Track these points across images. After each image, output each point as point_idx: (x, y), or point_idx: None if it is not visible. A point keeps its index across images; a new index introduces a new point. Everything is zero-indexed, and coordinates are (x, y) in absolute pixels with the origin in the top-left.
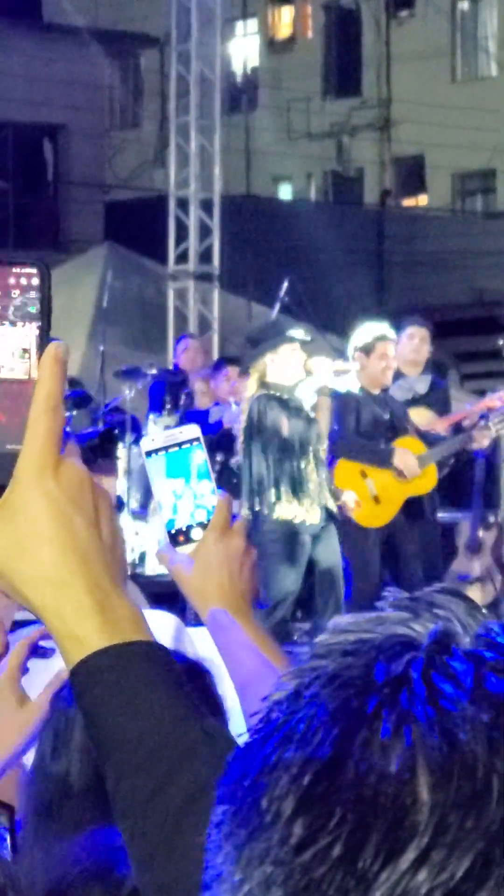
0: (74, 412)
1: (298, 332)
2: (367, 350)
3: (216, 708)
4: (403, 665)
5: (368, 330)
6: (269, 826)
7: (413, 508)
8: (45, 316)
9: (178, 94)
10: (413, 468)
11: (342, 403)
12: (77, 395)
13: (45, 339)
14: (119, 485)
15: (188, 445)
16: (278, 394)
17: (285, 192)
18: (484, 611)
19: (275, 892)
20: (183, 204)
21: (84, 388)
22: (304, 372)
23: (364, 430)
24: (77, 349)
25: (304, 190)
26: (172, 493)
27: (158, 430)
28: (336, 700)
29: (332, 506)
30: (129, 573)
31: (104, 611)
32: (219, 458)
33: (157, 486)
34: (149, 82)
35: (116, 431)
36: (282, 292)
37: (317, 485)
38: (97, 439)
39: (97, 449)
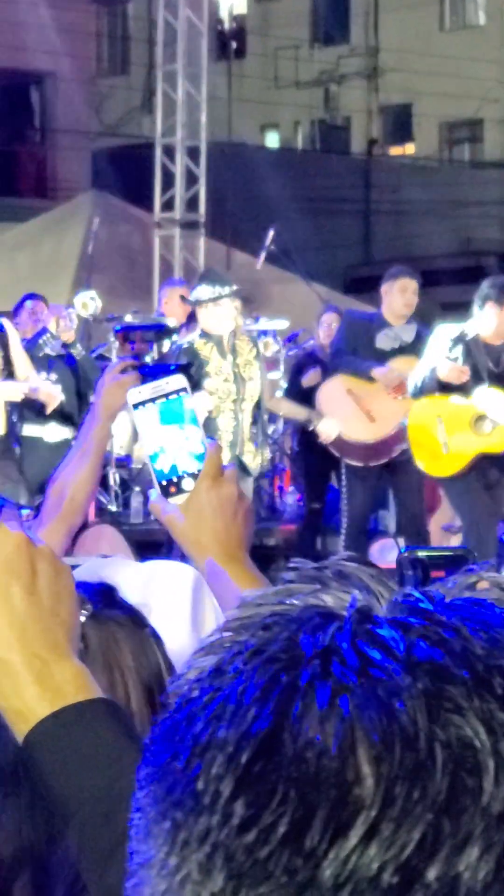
0: (155, 343)
1: (217, 290)
2: (500, 301)
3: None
4: (329, 636)
5: (497, 280)
6: (207, 808)
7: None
8: None
9: (166, 41)
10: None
11: (438, 346)
12: (160, 328)
13: None
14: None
15: (175, 396)
16: (207, 343)
17: (272, 141)
18: (391, 579)
19: (216, 875)
20: (169, 152)
21: (164, 322)
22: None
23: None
24: (62, 296)
25: (292, 138)
26: (162, 445)
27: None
28: (265, 674)
29: (252, 461)
30: (112, 521)
31: (42, 680)
32: None
33: (147, 437)
34: (137, 29)
35: (196, 369)
36: (268, 241)
37: (231, 435)
38: (172, 375)
39: (161, 377)
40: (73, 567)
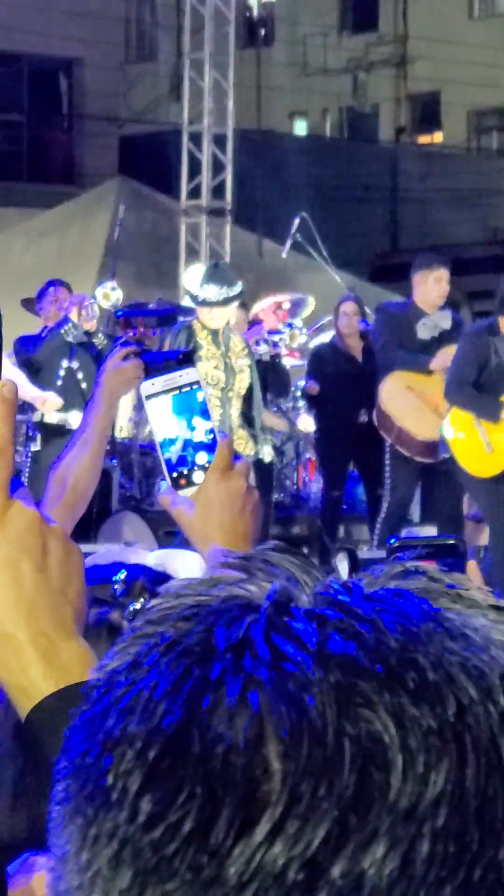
0: (157, 328)
1: (226, 292)
2: None
3: None
4: (244, 629)
5: None
6: (115, 804)
7: None
8: None
9: (193, 28)
10: None
11: (471, 347)
12: (165, 313)
13: None
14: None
15: (188, 389)
16: (204, 329)
17: (300, 128)
18: (318, 568)
19: (124, 871)
20: (196, 139)
21: (174, 305)
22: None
23: (486, 377)
24: (88, 283)
25: (320, 126)
26: (173, 437)
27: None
28: (177, 668)
29: (244, 448)
30: (135, 508)
31: (48, 658)
32: None
33: (158, 430)
34: (165, 16)
35: (196, 354)
36: (293, 228)
37: (218, 423)
38: (174, 360)
39: (174, 370)
40: (86, 555)
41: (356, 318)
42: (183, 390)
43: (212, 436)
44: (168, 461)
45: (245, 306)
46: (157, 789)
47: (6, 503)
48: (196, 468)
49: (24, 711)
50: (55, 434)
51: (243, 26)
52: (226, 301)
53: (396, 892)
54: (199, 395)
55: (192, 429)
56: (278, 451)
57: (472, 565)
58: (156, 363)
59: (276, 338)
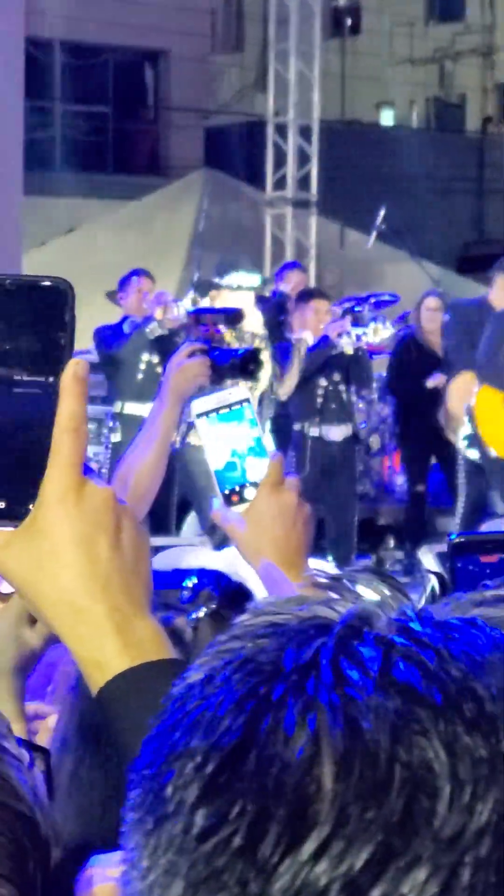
0: (223, 328)
1: (254, 280)
2: None
3: None
4: (313, 651)
5: None
6: (173, 814)
7: None
8: (68, 334)
9: (279, 18)
10: None
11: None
12: (230, 312)
13: (66, 356)
14: None
15: (238, 406)
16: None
17: (387, 118)
18: (405, 591)
19: (177, 882)
20: (282, 130)
21: (236, 308)
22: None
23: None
24: (173, 274)
25: (406, 116)
26: (225, 454)
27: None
28: (245, 686)
29: None
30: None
31: (123, 633)
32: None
33: (211, 447)
34: (251, 6)
35: (262, 353)
36: (378, 220)
37: None
38: (240, 359)
39: (238, 368)
40: (157, 550)
41: (439, 314)
42: (233, 408)
43: (262, 451)
44: (220, 478)
45: (328, 298)
46: (211, 803)
47: (81, 480)
48: (248, 484)
49: (96, 687)
50: (135, 425)
51: (329, 16)
52: (252, 289)
53: None
54: (248, 412)
55: (243, 445)
56: (363, 442)
57: None
58: (223, 360)
59: (359, 331)
